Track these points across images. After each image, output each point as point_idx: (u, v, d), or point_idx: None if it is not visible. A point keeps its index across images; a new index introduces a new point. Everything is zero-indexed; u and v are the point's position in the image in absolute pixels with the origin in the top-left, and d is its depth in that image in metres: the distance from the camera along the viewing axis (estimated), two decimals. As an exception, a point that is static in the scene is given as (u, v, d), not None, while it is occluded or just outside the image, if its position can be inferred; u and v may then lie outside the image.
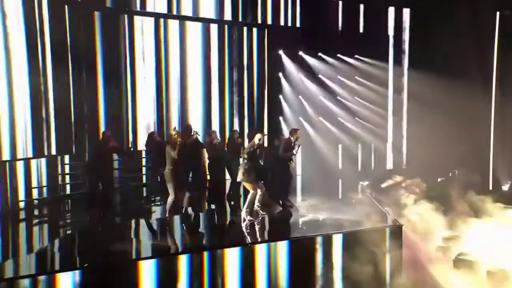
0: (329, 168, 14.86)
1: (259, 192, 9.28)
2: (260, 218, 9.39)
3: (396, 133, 16.42)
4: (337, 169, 15.24)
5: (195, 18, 13.49)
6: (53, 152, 11.56)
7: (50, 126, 11.51)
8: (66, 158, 11.88)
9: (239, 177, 9.26)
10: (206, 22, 13.69)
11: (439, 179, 15.11)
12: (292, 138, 9.98)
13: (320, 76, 15.15)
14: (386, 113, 16.19)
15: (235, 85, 14.27)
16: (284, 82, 14.93)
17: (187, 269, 7.42)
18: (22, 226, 10.02)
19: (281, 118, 14.86)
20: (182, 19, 13.41)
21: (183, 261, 7.40)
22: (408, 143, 16.33)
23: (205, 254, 7.55)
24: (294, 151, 9.83)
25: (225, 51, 14.01)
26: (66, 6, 11.94)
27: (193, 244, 8.39)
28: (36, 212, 10.75)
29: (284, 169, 10.10)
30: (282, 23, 14.59)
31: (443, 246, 9.94)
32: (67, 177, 11.83)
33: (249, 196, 9.36)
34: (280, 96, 14.97)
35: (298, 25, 14.79)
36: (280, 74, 14.90)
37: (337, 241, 8.29)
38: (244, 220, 9.24)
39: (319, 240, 8.19)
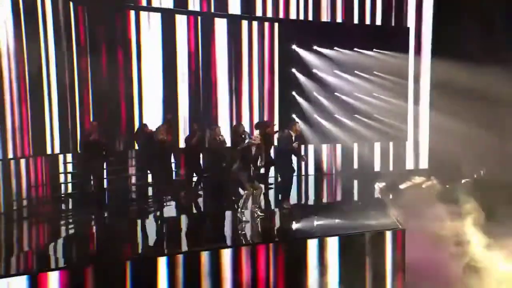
0: (344, 168, 14.28)
1: (254, 192, 8.84)
2: (258, 220, 8.94)
3: (417, 130, 15.59)
4: (352, 168, 14.60)
5: (204, 13, 13.18)
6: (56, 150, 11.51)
7: (53, 124, 11.45)
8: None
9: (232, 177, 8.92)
10: (214, 16, 13.33)
11: (463, 181, 14.20)
12: (291, 132, 9.48)
13: (335, 71, 14.54)
14: (406, 109, 15.38)
15: (243, 81, 13.82)
16: (298, 78, 14.36)
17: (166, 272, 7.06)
18: (24, 225, 9.90)
19: (294, 115, 14.26)
20: (190, 14, 13.10)
21: (162, 264, 7.03)
22: (430, 141, 15.48)
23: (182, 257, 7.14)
24: (294, 145, 9.32)
25: (233, 46, 13.58)
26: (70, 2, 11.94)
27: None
28: (37, 211, 10.62)
29: (284, 166, 9.61)
30: (294, 16, 14.06)
31: (455, 251, 9.22)
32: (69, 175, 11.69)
33: (243, 196, 8.90)
34: (294, 93, 14.43)
35: (311, 18, 14.23)
36: (294, 70, 14.34)
37: (332, 244, 7.72)
38: (240, 221, 8.81)
39: (312, 243, 7.64)
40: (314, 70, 14.37)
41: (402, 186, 13.79)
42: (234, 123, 13.33)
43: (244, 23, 13.67)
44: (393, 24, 15.03)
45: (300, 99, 14.33)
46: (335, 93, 14.54)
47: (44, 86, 11.17)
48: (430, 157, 15.52)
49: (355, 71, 14.66)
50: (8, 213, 9.98)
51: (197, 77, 13.29)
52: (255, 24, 13.79)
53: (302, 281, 7.60)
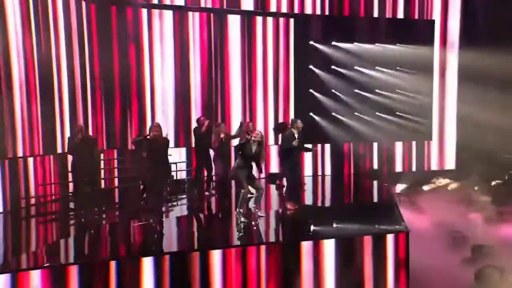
0: (362, 168, 13.70)
1: (251, 190, 8.54)
2: (258, 220, 8.56)
3: (443, 128, 14.77)
4: (372, 169, 13.99)
5: (215, 9, 12.93)
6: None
7: (64, 122, 11.44)
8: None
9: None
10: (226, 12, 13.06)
11: (493, 183, 13.31)
12: (293, 130, 9.10)
13: (356, 67, 13.96)
14: (431, 105, 14.59)
15: (257, 79, 13.46)
16: (315, 75, 13.85)
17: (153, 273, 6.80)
18: (31, 223, 9.89)
19: (311, 113, 13.80)
20: (202, 10, 12.89)
21: (148, 264, 6.78)
22: (458, 140, 14.62)
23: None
24: (294, 143, 8.91)
25: (247, 42, 13.27)
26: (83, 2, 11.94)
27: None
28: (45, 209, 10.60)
29: (287, 166, 9.22)
30: (310, 11, 13.60)
31: (470, 257, 8.55)
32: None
33: (241, 195, 8.54)
34: (311, 90, 13.93)
35: (327, 12, 13.73)
36: (312, 66, 13.85)
37: (328, 247, 7.25)
38: (238, 221, 8.46)
39: (306, 246, 7.19)
40: (333, 66, 13.85)
41: (425, 188, 13.13)
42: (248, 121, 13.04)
43: (258, 19, 13.32)
44: (416, 17, 14.31)
45: (318, 97, 13.84)
46: (355, 90, 13.97)
47: (54, 84, 11.18)
48: (457, 157, 14.66)
49: (377, 67, 14.07)
50: (14, 212, 10.02)
51: (210, 76, 13.05)
52: (269, 20, 13.41)
53: (295, 285, 7.18)
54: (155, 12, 12.62)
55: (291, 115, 13.33)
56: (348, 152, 14.15)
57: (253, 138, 8.47)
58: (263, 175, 13.02)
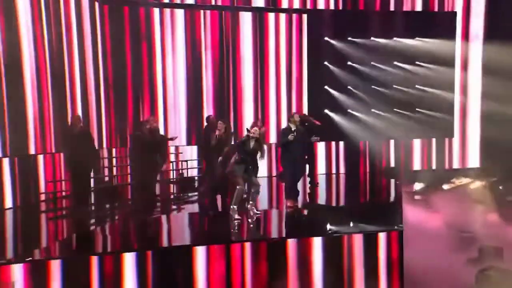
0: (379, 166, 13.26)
1: (252, 189, 8.35)
2: (254, 218, 8.39)
3: (465, 124, 14.10)
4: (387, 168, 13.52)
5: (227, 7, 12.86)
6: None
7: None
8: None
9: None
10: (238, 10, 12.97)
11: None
12: (291, 125, 8.87)
13: (373, 63, 13.54)
14: (453, 101, 13.96)
15: (270, 76, 13.28)
16: (330, 71, 13.53)
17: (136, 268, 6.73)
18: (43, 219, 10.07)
19: (326, 110, 13.49)
20: (213, 8, 12.84)
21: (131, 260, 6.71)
22: (481, 136, 13.91)
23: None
24: (290, 137, 8.66)
25: (258, 39, 13.12)
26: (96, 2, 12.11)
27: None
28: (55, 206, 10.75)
29: (286, 163, 8.98)
30: (323, 6, 13.31)
31: (475, 258, 8.06)
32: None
33: (235, 192, 8.38)
34: (326, 87, 13.62)
35: (341, 7, 13.39)
36: (327, 63, 13.54)
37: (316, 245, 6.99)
38: (232, 218, 8.31)
39: (293, 243, 6.95)
40: (349, 62, 13.50)
41: (445, 187, 12.55)
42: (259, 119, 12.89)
43: (270, 16, 13.15)
44: (436, 9, 13.73)
45: (333, 93, 13.52)
46: (372, 86, 13.55)
47: (67, 83, 11.33)
48: (481, 154, 13.95)
49: (395, 62, 13.60)
50: (24, 208, 10.23)
51: (222, 73, 12.99)
52: (281, 16, 13.21)
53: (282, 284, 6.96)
54: (167, 11, 12.66)
55: (305, 112, 13.07)
56: (364, 150, 13.75)
57: (251, 134, 8.36)
58: (274, 173, 12.90)
